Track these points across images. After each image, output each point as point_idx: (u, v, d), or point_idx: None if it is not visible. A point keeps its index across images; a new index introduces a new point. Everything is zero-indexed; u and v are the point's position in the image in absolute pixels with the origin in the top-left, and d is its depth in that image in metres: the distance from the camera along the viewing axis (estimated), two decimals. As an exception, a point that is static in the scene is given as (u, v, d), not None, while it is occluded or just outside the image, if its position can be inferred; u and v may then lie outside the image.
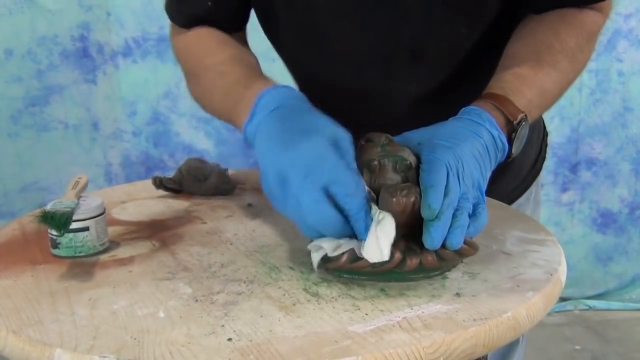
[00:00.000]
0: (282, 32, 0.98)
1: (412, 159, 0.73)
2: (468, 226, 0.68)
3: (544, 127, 1.14)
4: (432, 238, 0.66)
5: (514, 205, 1.06)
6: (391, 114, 0.97)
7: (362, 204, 0.67)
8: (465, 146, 0.73)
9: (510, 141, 0.79)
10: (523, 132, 0.81)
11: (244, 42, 1.02)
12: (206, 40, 0.98)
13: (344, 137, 0.72)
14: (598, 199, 2.55)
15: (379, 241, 0.66)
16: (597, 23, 0.91)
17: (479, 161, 0.74)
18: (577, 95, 2.43)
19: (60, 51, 2.24)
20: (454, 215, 0.68)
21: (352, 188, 0.67)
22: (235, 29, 1.00)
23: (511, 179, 1.06)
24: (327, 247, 0.68)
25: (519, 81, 0.83)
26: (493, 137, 0.77)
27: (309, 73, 1.03)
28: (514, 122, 0.79)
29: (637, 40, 2.39)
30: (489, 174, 0.76)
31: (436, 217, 0.67)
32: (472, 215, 0.70)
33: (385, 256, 0.66)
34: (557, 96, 0.88)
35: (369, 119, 0.87)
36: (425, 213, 0.67)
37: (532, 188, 1.10)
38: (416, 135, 0.77)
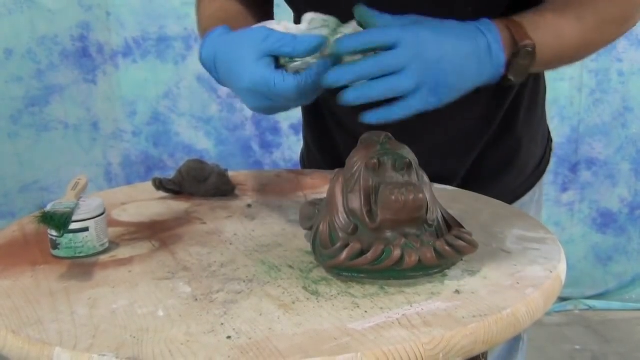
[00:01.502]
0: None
1: (411, 157, 0.73)
2: (383, 105, 0.71)
3: (549, 133, 1.14)
4: (333, 73, 0.71)
5: (518, 203, 1.07)
6: None
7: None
8: (446, 44, 0.73)
9: (511, 63, 0.78)
10: (526, 62, 0.79)
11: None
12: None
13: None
14: (598, 199, 2.55)
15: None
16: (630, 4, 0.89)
17: (459, 63, 0.73)
18: (577, 95, 2.43)
19: (60, 51, 2.24)
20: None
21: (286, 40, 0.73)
22: None
23: (516, 175, 1.07)
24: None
25: (538, 17, 0.82)
26: (490, 49, 0.75)
27: None
28: (519, 44, 0.77)
29: (637, 40, 2.39)
30: (469, 84, 0.76)
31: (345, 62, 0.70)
32: (400, 99, 0.71)
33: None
34: (576, 49, 0.86)
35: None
36: (336, 46, 0.72)
37: (536, 189, 1.11)
38: (410, 18, 0.77)
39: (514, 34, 0.78)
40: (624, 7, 0.88)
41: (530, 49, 0.78)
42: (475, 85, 0.77)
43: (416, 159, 0.74)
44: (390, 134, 0.76)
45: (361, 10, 0.76)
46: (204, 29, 0.93)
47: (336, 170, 0.76)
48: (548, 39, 0.81)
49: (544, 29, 0.81)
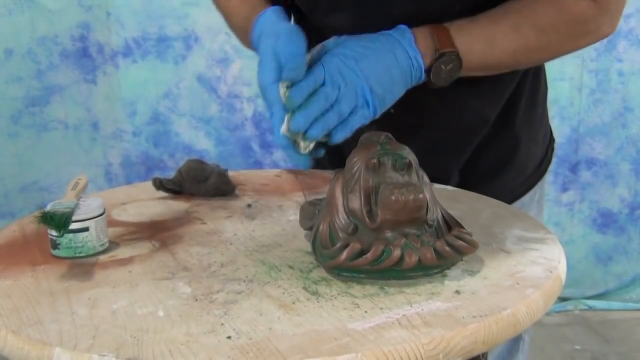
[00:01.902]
0: None
1: (411, 157, 0.73)
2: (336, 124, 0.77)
3: (551, 133, 1.14)
4: (294, 119, 0.75)
5: (518, 203, 1.07)
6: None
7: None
8: (370, 54, 0.79)
9: (430, 67, 0.83)
10: (450, 67, 0.84)
11: None
12: None
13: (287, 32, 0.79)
14: (598, 199, 2.55)
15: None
16: (586, 12, 0.88)
17: (382, 71, 0.79)
18: (577, 95, 2.43)
19: (60, 51, 2.24)
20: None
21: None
22: None
23: (515, 174, 1.07)
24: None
25: (471, 23, 0.86)
26: (408, 55, 0.81)
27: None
28: (439, 50, 0.83)
29: (637, 40, 2.39)
30: (398, 89, 0.82)
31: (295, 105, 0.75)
32: (348, 115, 0.78)
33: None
34: (508, 57, 0.89)
35: None
36: (287, 102, 0.76)
37: (537, 189, 1.11)
38: (333, 41, 0.82)
39: (436, 39, 0.83)
40: (568, 20, 0.88)
41: (453, 55, 0.84)
42: (402, 90, 0.83)
43: (416, 159, 0.74)
44: (390, 134, 0.76)
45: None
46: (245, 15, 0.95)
47: (336, 170, 0.76)
48: (477, 46, 0.86)
49: (473, 36, 0.85)
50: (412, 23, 0.92)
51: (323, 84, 0.77)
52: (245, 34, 0.94)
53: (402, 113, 0.86)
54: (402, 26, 0.84)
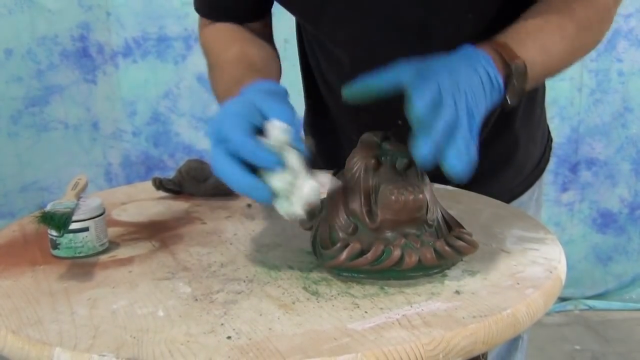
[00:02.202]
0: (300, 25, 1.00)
1: (411, 157, 0.73)
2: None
3: (549, 132, 1.14)
4: (418, 147, 0.64)
5: (517, 202, 1.07)
6: (402, 103, 0.98)
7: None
8: (461, 75, 0.71)
9: (507, 85, 0.76)
10: (521, 82, 0.77)
11: (264, 29, 1.04)
12: (221, 36, 1.01)
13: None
14: (598, 199, 2.55)
15: (293, 197, 0.66)
16: (608, 3, 0.89)
17: (475, 92, 0.71)
18: (577, 95, 2.43)
19: (60, 51, 2.24)
20: (450, 134, 0.65)
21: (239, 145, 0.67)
22: (256, 17, 1.02)
23: (514, 174, 1.07)
24: (277, 185, 0.67)
25: (522, 33, 0.81)
26: (489, 74, 0.74)
27: (324, 61, 1.04)
28: (511, 65, 0.76)
29: (637, 40, 2.39)
30: (483, 112, 0.73)
31: (423, 128, 0.64)
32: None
33: (297, 211, 0.66)
34: (561, 60, 0.86)
35: (381, 109, 0.87)
36: (411, 113, 0.65)
37: (535, 188, 1.11)
38: (410, 65, 0.74)
39: (503, 55, 0.77)
40: (599, 13, 0.88)
41: (521, 69, 0.77)
42: (487, 111, 0.75)
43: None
44: (391, 134, 0.76)
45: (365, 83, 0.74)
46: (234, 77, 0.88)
47: (336, 170, 0.76)
48: (535, 55, 0.80)
49: (529, 47, 0.80)
50: (421, 32, 0.92)
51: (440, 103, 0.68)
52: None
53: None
54: (469, 46, 0.76)
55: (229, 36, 1.00)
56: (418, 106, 0.65)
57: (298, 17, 1.02)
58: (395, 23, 0.92)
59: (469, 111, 0.69)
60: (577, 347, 2.33)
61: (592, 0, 0.87)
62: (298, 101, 1.17)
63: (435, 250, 0.68)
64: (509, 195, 1.03)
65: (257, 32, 1.02)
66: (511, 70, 0.76)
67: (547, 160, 1.13)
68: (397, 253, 0.67)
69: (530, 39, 0.81)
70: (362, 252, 0.69)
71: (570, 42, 0.85)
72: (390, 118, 0.99)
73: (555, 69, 0.86)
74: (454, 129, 0.66)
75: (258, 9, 1.02)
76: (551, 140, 1.15)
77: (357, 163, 0.73)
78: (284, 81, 1.29)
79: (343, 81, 0.91)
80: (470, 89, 0.70)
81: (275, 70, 0.97)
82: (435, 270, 0.70)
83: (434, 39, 0.92)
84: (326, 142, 1.14)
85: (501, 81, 0.75)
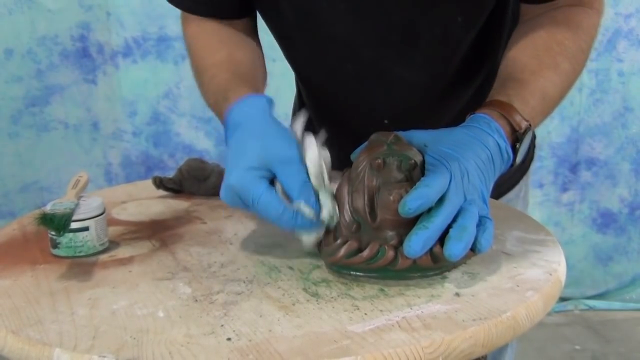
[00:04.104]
0: (282, 21, 0.98)
1: (418, 158, 0.72)
2: (476, 237, 0.68)
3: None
4: (409, 246, 0.66)
5: (503, 199, 1.07)
6: (388, 103, 0.97)
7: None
8: (471, 156, 0.73)
9: (515, 151, 0.79)
10: (526, 141, 0.80)
11: (250, 28, 1.03)
12: (207, 38, 1.00)
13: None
14: (598, 199, 2.55)
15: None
16: (592, 21, 0.90)
17: (484, 172, 0.73)
18: (577, 95, 2.43)
19: (60, 51, 2.24)
20: (456, 223, 0.68)
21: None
22: (241, 14, 1.01)
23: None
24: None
25: (522, 88, 0.82)
26: (499, 148, 0.76)
27: (307, 59, 1.03)
28: (519, 132, 0.79)
29: (637, 40, 2.39)
30: (491, 185, 0.76)
31: (423, 224, 0.67)
32: (479, 225, 0.69)
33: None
34: (559, 99, 0.88)
35: (367, 108, 0.86)
36: (400, 208, 0.67)
37: (522, 186, 1.11)
38: (423, 135, 0.77)
39: (511, 122, 0.78)
40: (589, 34, 0.89)
41: (528, 131, 0.79)
42: (495, 179, 0.77)
43: (423, 160, 0.73)
44: (399, 135, 0.76)
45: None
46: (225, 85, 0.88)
47: (345, 168, 0.76)
48: (537, 108, 0.82)
49: (531, 99, 0.81)
50: (411, 31, 0.92)
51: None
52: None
53: (405, 115, 0.86)
54: (483, 116, 0.78)
55: (216, 39, 0.99)
56: (409, 206, 0.66)
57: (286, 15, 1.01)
58: (383, 23, 0.91)
59: (480, 195, 0.72)
60: (577, 347, 2.33)
61: (580, 25, 0.88)
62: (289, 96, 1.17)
63: (431, 252, 0.68)
64: (495, 192, 1.03)
65: (241, 28, 1.01)
66: (518, 136, 0.79)
67: (532, 158, 1.13)
68: (390, 253, 0.68)
69: (530, 92, 0.82)
70: (360, 250, 0.69)
71: (566, 78, 0.87)
72: (377, 118, 0.99)
73: (553, 109, 0.88)
74: (462, 218, 0.68)
75: (243, 8, 1.01)
76: (535, 137, 1.15)
77: (362, 162, 0.73)
78: (279, 77, 1.29)
79: (328, 80, 0.91)
80: (479, 172, 0.73)
81: (261, 75, 0.96)
82: (434, 272, 0.70)
83: (421, 39, 0.92)
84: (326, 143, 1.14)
85: (511, 151, 0.78)
